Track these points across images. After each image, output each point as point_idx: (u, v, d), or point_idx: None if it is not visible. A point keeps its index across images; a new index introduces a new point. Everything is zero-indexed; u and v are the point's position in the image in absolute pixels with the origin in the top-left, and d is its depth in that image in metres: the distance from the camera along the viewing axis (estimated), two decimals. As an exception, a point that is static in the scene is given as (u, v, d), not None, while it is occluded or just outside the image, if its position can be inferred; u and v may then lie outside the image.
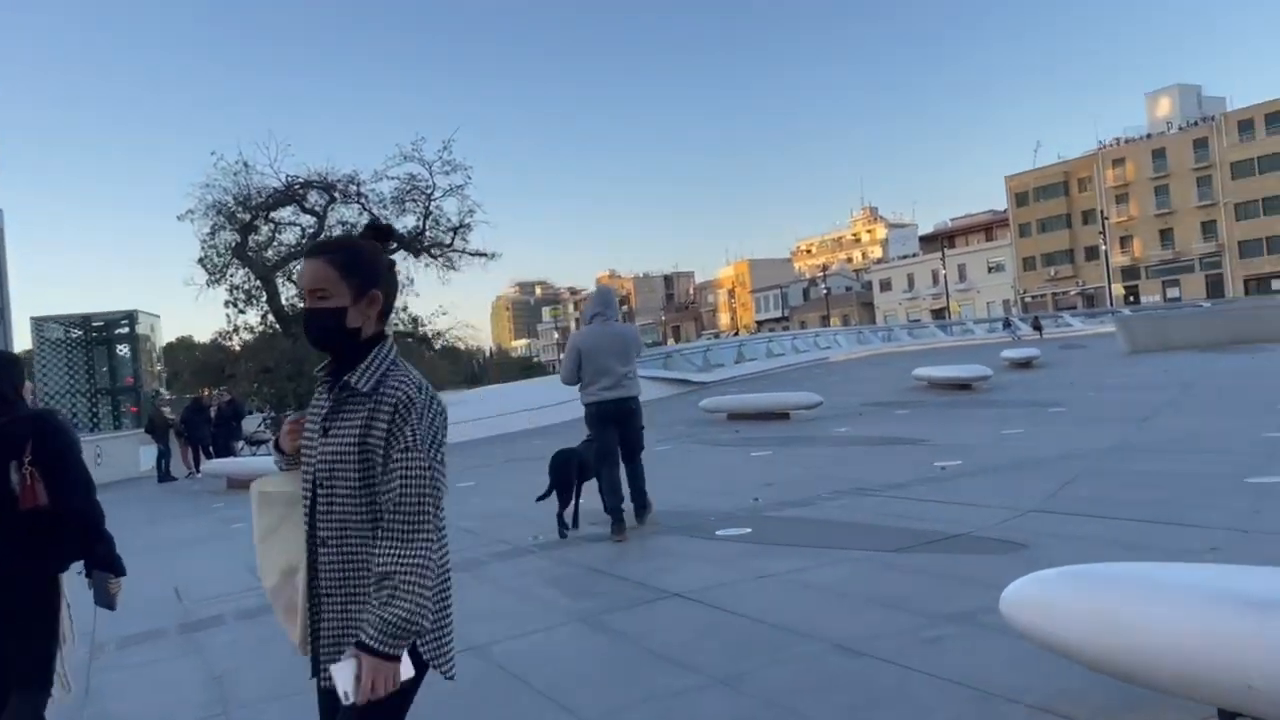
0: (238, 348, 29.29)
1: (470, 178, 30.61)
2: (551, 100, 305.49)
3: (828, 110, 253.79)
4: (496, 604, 5.37)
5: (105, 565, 3.32)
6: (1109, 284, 77.91)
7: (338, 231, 31.26)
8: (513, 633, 4.69)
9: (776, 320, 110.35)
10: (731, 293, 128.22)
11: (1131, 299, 78.18)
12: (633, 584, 5.45)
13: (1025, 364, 24.16)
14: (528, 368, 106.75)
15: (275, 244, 30.91)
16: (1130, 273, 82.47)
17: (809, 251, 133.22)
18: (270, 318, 30.35)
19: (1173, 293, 79.61)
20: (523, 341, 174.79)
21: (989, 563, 4.98)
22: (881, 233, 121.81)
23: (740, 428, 15.35)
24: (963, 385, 18.65)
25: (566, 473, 7.32)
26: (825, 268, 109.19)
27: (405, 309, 31.22)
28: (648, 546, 6.58)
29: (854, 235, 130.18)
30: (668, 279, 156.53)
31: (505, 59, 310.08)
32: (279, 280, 30.26)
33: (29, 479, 3.17)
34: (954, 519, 6.19)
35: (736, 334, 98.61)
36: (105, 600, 3.30)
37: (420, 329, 31.56)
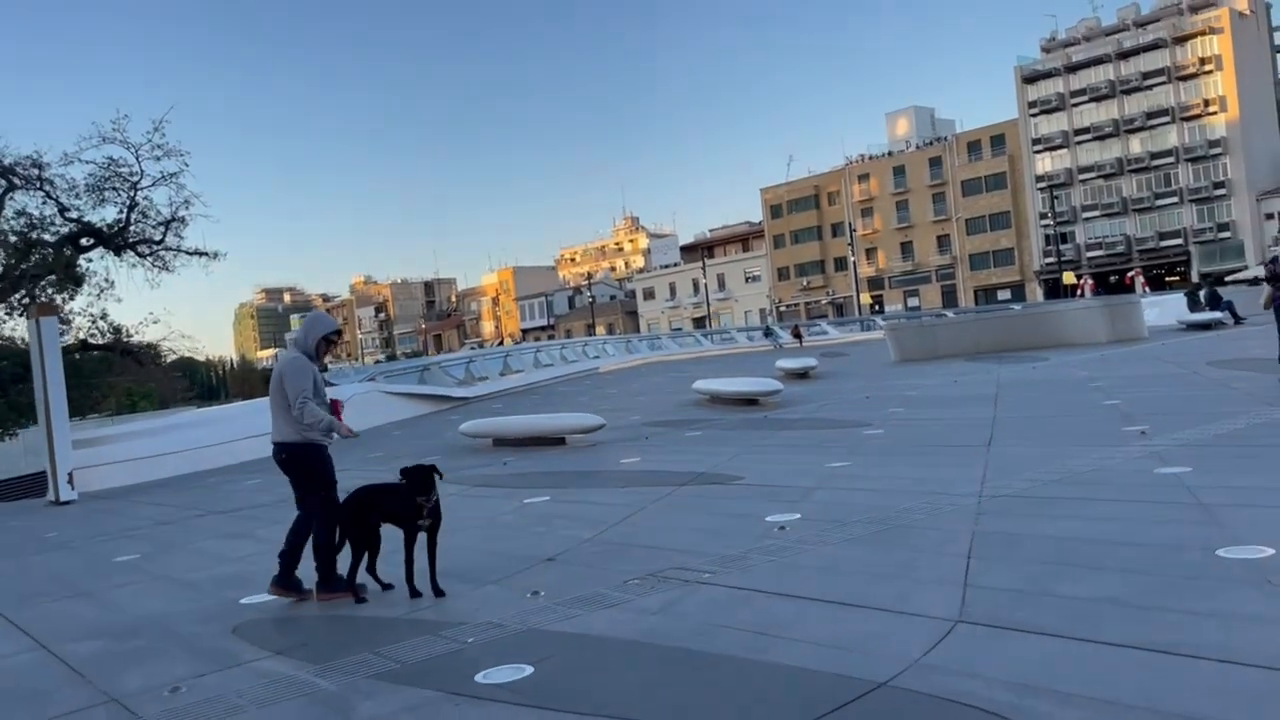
0: None
1: (187, 164, 26.20)
2: (300, 92, 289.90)
3: (590, 120, 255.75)
4: None
5: None
6: (857, 293, 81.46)
7: (18, 223, 25.99)
8: None
9: (542, 328, 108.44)
10: (496, 300, 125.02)
11: (877, 308, 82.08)
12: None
13: (803, 374, 23.09)
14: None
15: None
16: (876, 283, 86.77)
17: (573, 260, 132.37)
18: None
19: (913, 302, 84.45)
20: (269, 351, 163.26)
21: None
22: (643, 242, 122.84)
23: (510, 458, 12.81)
24: (749, 400, 17.03)
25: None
26: (589, 276, 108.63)
27: (104, 317, 26.36)
28: None
29: (617, 244, 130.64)
30: (428, 285, 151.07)
31: (244, 39, 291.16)
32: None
33: None
34: (844, 642, 3.97)
35: (502, 343, 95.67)
36: None
37: (124, 340, 26.72)
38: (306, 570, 5.90)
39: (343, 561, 5.86)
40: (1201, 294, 27.08)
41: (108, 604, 6.59)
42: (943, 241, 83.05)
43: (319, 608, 5.73)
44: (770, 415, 14.63)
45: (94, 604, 6.66)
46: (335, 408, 6.05)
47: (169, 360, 31.66)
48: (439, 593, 5.58)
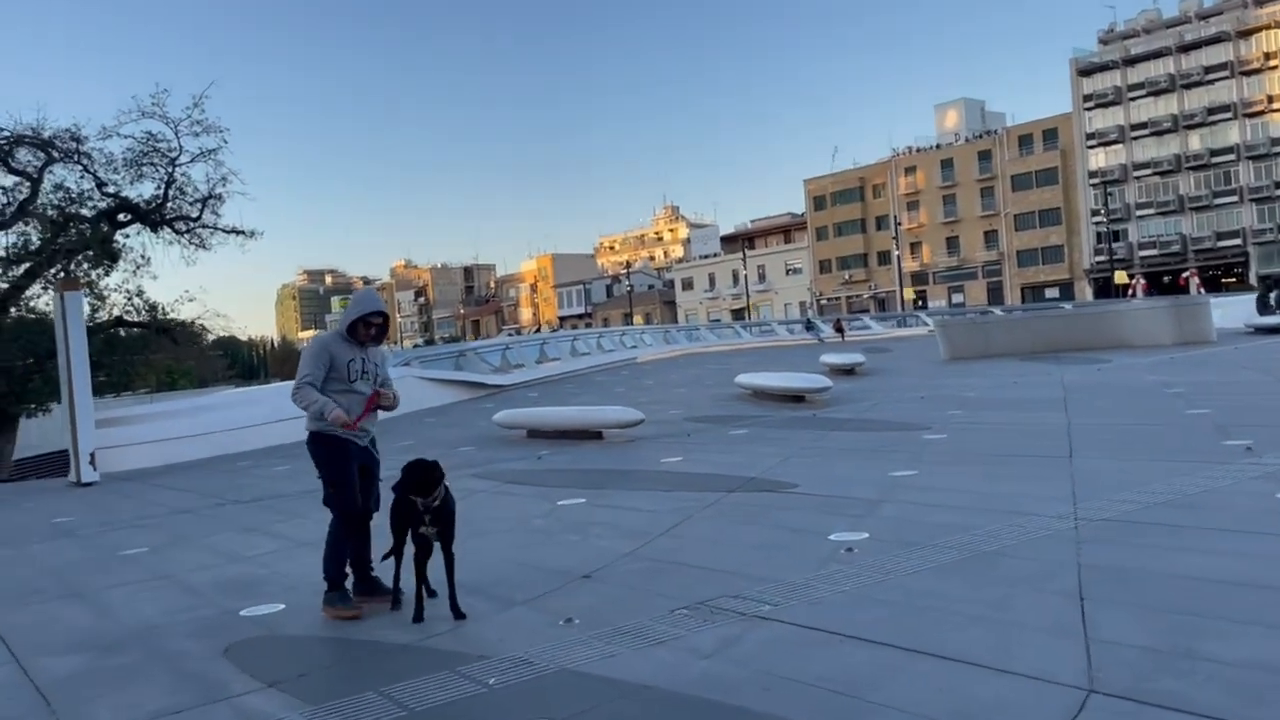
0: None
1: (226, 141, 25.79)
2: (347, 75, 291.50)
3: (632, 108, 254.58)
4: None
5: None
6: (900, 288, 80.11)
7: (55, 197, 25.75)
8: None
9: (579, 316, 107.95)
10: (534, 287, 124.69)
11: (920, 303, 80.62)
12: None
13: (849, 370, 22.23)
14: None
15: (-32, 209, 24.99)
16: (919, 278, 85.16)
17: (612, 248, 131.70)
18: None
19: (957, 298, 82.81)
20: (309, 332, 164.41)
21: None
22: (683, 232, 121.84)
23: (544, 451, 12.14)
24: (795, 397, 16.24)
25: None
26: (628, 265, 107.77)
27: (140, 294, 26.06)
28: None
29: (656, 234, 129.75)
30: (468, 271, 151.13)
31: (292, 24, 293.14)
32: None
33: None
34: (948, 715, 3.22)
35: (539, 330, 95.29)
36: None
37: (160, 317, 26.41)
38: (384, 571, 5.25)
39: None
40: (1273, 296, 25.78)
41: (100, 608, 6.00)
42: (990, 237, 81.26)
43: (324, 625, 5.08)
44: (819, 414, 13.84)
45: (86, 608, 6.06)
46: (370, 401, 5.39)
47: (209, 339, 31.45)
48: (458, 614, 4.91)
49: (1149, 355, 19.31)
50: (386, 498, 5.21)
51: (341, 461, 5.28)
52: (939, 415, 12.23)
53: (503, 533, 7.20)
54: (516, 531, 7.22)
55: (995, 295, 79.03)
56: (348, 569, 5.34)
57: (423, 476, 4.90)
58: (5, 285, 24.70)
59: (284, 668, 4.42)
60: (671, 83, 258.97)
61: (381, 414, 5.59)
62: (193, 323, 27.67)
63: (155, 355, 28.70)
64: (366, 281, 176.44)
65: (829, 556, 5.50)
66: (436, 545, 5.00)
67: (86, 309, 26.07)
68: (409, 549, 5.06)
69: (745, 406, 16.11)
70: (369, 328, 5.38)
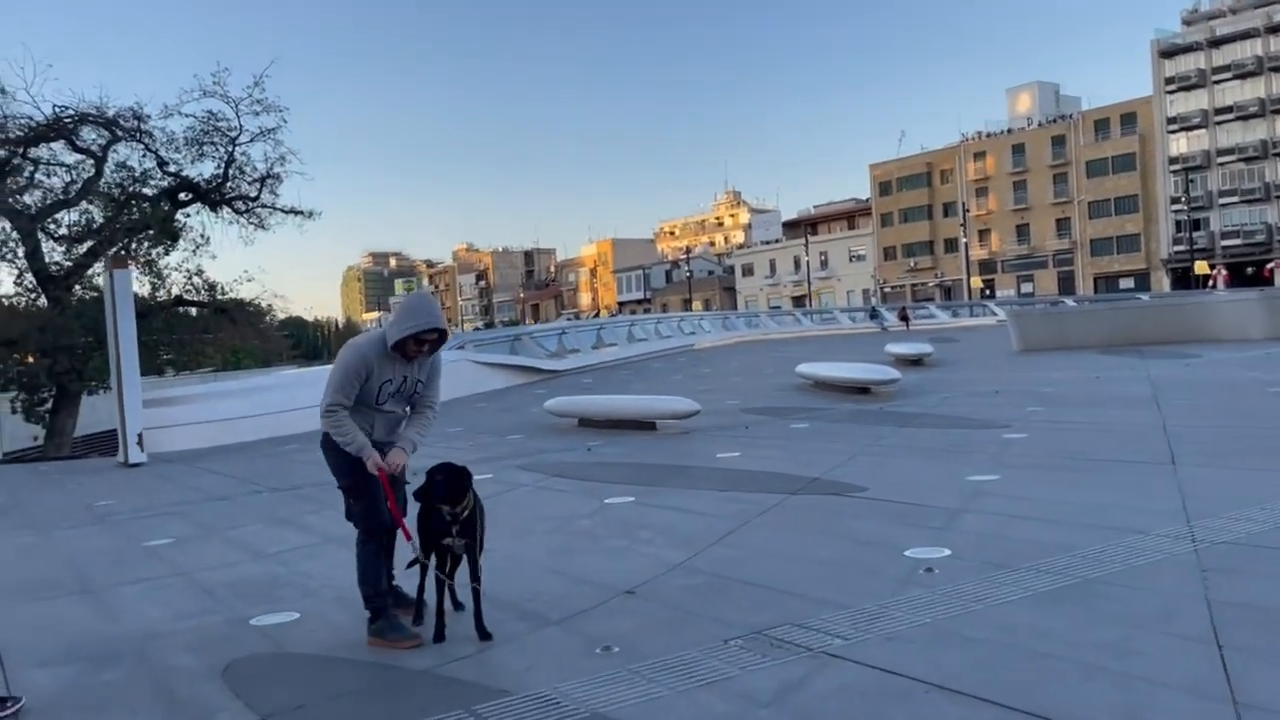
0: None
1: (285, 120, 25.67)
2: (410, 61, 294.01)
3: (694, 92, 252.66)
4: None
5: None
6: (967, 276, 78.05)
7: (118, 176, 25.85)
8: None
9: (638, 301, 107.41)
10: (593, 272, 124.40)
11: (988, 292, 78.43)
12: None
13: (917, 361, 21.33)
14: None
15: (35, 187, 25.21)
16: (987, 266, 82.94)
17: (672, 233, 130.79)
18: (29, 278, 24.74)
19: (1027, 287, 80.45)
20: (373, 315, 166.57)
21: None
22: (744, 217, 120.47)
23: (595, 442, 11.58)
24: (860, 388, 15.47)
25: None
26: (688, 250, 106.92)
27: (200, 273, 26.10)
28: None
29: (717, 219, 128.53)
30: (528, 255, 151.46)
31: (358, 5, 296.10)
32: (41, 233, 24.68)
33: None
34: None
35: (597, 315, 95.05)
36: None
37: (220, 297, 26.44)
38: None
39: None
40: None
41: (107, 609, 5.56)
42: (1062, 225, 78.78)
43: (336, 642, 4.56)
44: (886, 407, 13.07)
45: (92, 607, 5.64)
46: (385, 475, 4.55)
47: (273, 320, 31.50)
48: (484, 635, 4.35)
49: (1239, 350, 18.11)
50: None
51: (363, 468, 4.49)
52: (1017, 412, 11.39)
53: (544, 534, 6.64)
54: (559, 533, 6.66)
55: (1066, 285, 76.59)
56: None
57: (451, 484, 4.33)
58: (69, 263, 24.90)
59: (283, 695, 3.89)
60: (735, 66, 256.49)
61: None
62: (251, 303, 27.70)
63: (217, 335, 28.78)
64: (430, 264, 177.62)
65: (906, 578, 4.82)
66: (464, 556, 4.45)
67: (147, 288, 26.23)
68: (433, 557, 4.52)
69: (807, 398, 15.38)
70: (421, 345, 4.48)
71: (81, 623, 5.30)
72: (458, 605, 4.62)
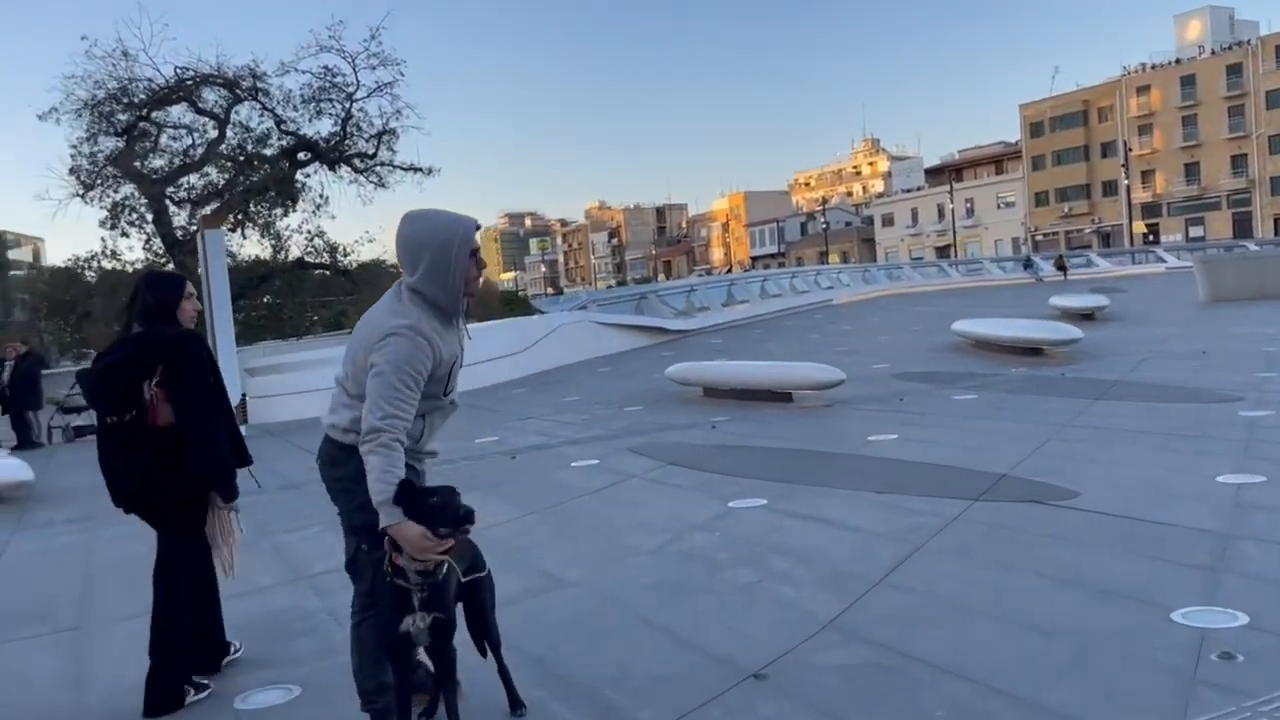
0: (92, 278, 23.70)
1: (403, 74, 24.80)
2: (541, 20, 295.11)
3: (828, 37, 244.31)
4: None
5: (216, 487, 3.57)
6: (1128, 221, 72.27)
7: (238, 138, 25.56)
8: None
9: (772, 256, 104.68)
10: (726, 226, 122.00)
11: (1151, 237, 72.62)
12: None
13: (1089, 315, 18.80)
14: (508, 303, 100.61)
15: (161, 151, 25.16)
16: (1151, 209, 76.76)
17: (807, 184, 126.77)
18: (156, 243, 24.77)
19: (1195, 231, 74.07)
20: (510, 274, 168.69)
21: None
22: (884, 165, 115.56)
23: (721, 416, 9.98)
24: (1031, 349, 13.35)
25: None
26: (824, 201, 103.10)
27: (321, 235, 25.65)
28: None
29: (854, 168, 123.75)
30: (660, 211, 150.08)
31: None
32: (166, 198, 24.63)
33: (154, 398, 3.36)
34: None
35: (730, 271, 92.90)
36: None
37: (340, 260, 25.98)
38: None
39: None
40: None
41: (85, 662, 4.35)
42: (1238, 162, 71.93)
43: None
44: (1070, 373, 10.98)
45: (67, 657, 4.44)
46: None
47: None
48: (517, 706, 2.89)
49: None
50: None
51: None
52: (1244, 379, 9.20)
53: (649, 555, 5.12)
54: (667, 556, 5.12)
55: (1243, 228, 69.97)
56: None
57: (454, 505, 2.76)
58: (194, 227, 24.77)
59: None
60: (869, 6, 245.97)
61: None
62: (374, 263, 27.20)
63: (339, 297, 28.49)
64: (564, 223, 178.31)
65: (1187, 671, 3.07)
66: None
67: (268, 250, 25.96)
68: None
69: (967, 360, 13.36)
70: (480, 266, 3.00)
71: (42, 681, 4.08)
72: (489, 656, 3.14)
